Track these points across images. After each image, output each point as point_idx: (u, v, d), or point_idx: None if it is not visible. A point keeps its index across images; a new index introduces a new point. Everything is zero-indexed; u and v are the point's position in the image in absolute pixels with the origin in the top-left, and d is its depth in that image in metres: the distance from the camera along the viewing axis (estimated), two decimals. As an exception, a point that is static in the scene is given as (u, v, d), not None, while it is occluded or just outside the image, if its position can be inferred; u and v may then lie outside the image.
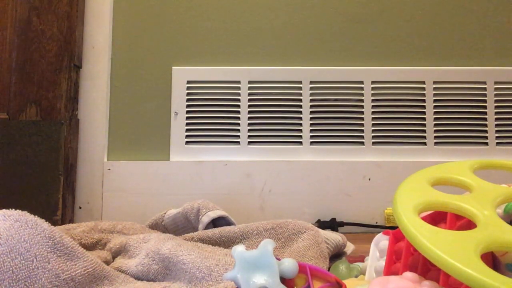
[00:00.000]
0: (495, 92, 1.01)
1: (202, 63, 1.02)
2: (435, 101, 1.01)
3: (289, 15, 1.04)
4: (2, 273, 0.40)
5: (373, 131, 1.00)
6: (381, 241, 0.44)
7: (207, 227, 0.69)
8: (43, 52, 0.95)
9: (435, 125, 1.00)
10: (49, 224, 0.46)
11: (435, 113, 1.00)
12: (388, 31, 1.03)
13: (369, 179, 0.98)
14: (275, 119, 1.00)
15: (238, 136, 1.00)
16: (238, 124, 1.00)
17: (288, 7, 1.04)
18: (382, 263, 0.41)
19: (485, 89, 1.01)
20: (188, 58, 1.03)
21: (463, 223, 0.34)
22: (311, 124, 1.00)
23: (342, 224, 0.94)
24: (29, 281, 0.40)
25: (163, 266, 0.52)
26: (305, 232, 0.60)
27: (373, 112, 1.00)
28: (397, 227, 0.34)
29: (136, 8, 1.03)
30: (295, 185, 0.98)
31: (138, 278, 0.53)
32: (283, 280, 0.32)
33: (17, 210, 0.45)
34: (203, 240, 0.63)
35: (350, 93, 1.01)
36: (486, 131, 1.00)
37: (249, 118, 1.00)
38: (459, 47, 1.03)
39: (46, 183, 0.91)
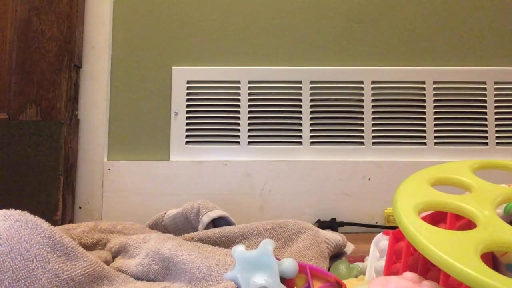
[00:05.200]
0: (495, 92, 1.00)
1: (202, 63, 1.02)
2: (435, 101, 1.01)
3: (289, 15, 1.04)
4: (2, 273, 0.40)
5: (373, 131, 1.00)
6: (381, 241, 0.44)
7: (207, 227, 0.69)
8: (43, 52, 0.95)
9: (435, 125, 1.00)
10: (49, 224, 0.46)
11: (435, 113, 1.00)
12: (388, 31, 1.03)
13: (369, 179, 0.98)
14: (275, 119, 1.00)
15: (238, 136, 1.00)
16: (238, 124, 1.00)
17: (288, 7, 1.04)
18: (382, 263, 0.41)
19: (485, 89, 1.01)
20: (188, 58, 1.03)
21: (463, 223, 0.34)
22: (311, 124, 1.00)
23: (342, 224, 0.94)
24: (29, 281, 0.40)
25: (163, 266, 0.52)
26: (305, 232, 0.60)
27: (373, 112, 1.00)
28: (397, 227, 0.34)
29: (136, 8, 1.03)
30: (295, 185, 0.98)
31: (138, 278, 0.53)
32: (283, 280, 0.32)
33: (17, 210, 0.45)
34: (203, 240, 0.63)
35: (350, 93, 1.01)
36: (486, 131, 1.00)
37: (249, 118, 1.00)
38: (459, 47, 1.03)
39: (46, 183, 0.91)
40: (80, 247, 0.47)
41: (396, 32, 1.03)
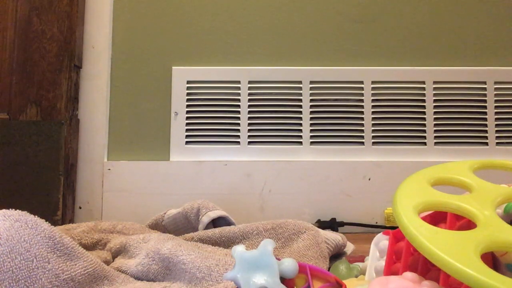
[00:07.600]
0: (495, 92, 1.00)
1: (202, 63, 1.02)
2: (435, 101, 1.01)
3: (289, 15, 1.04)
4: (2, 273, 0.40)
5: (373, 131, 1.00)
6: (381, 241, 0.44)
7: (207, 227, 0.69)
8: (43, 52, 0.95)
9: (435, 125, 1.00)
10: (49, 224, 0.46)
11: (435, 113, 1.00)
12: (388, 31, 1.03)
13: (369, 179, 0.98)
14: (275, 119, 1.00)
15: (238, 136, 1.00)
16: (238, 124, 1.00)
17: (288, 7, 1.04)
18: (382, 263, 0.41)
19: (485, 89, 1.01)
20: (188, 58, 1.03)
21: (463, 223, 0.34)
22: (311, 124, 1.00)
23: (342, 224, 0.94)
24: (29, 281, 0.40)
25: (163, 266, 0.52)
26: (305, 232, 0.60)
27: (373, 112, 1.00)
28: (397, 227, 0.34)
29: (136, 8, 1.03)
30: (295, 185, 0.98)
31: (138, 278, 0.53)
32: (283, 280, 0.32)
33: (17, 210, 0.45)
34: (203, 240, 0.63)
35: (350, 93, 1.01)
36: (486, 131, 1.00)
37: (249, 118, 1.00)
38: (459, 47, 1.03)
39: (46, 183, 0.91)
40: (80, 247, 0.47)
41: (396, 32, 1.03)
